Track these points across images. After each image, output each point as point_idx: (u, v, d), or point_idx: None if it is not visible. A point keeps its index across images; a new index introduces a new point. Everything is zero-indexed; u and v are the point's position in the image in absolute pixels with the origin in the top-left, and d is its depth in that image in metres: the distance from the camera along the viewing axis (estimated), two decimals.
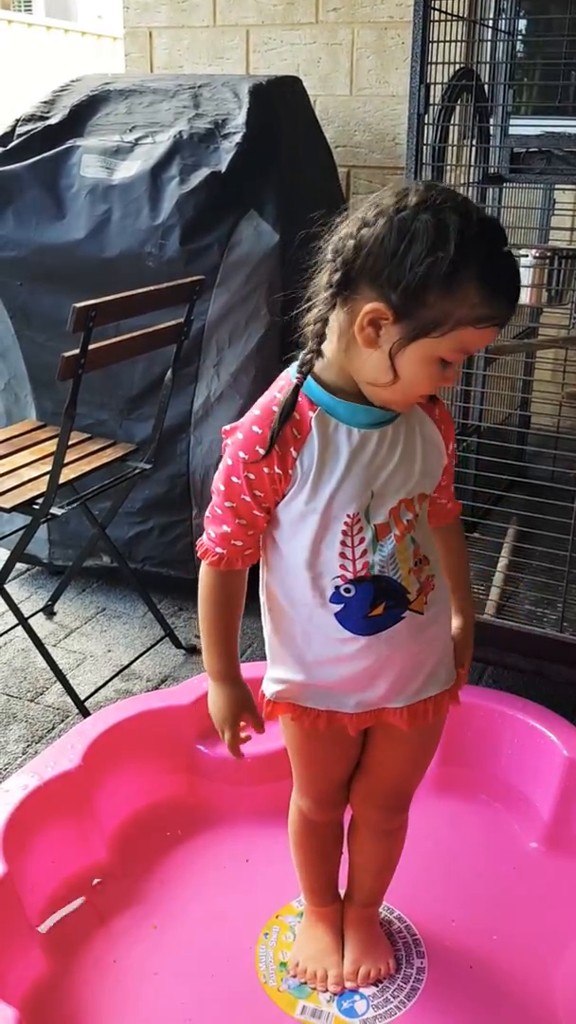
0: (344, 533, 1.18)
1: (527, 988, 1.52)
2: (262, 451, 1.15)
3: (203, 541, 1.26)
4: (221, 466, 1.20)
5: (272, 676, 1.33)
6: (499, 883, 1.72)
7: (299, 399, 1.15)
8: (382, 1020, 1.47)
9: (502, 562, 2.36)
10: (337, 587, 1.21)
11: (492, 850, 1.79)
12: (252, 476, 1.16)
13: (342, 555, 1.19)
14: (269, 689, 1.33)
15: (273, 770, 1.81)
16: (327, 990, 1.50)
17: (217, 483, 1.21)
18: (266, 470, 1.16)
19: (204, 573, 1.28)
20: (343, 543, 1.19)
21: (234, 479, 1.18)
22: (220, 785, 1.86)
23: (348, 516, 1.18)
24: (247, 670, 1.92)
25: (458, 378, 1.19)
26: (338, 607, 1.22)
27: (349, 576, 1.20)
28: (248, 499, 1.18)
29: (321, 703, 1.30)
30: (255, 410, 1.19)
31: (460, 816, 1.87)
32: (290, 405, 1.15)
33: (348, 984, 1.50)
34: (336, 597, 1.21)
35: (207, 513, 1.25)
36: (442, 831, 1.83)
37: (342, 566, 1.20)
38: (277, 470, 1.16)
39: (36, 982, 1.49)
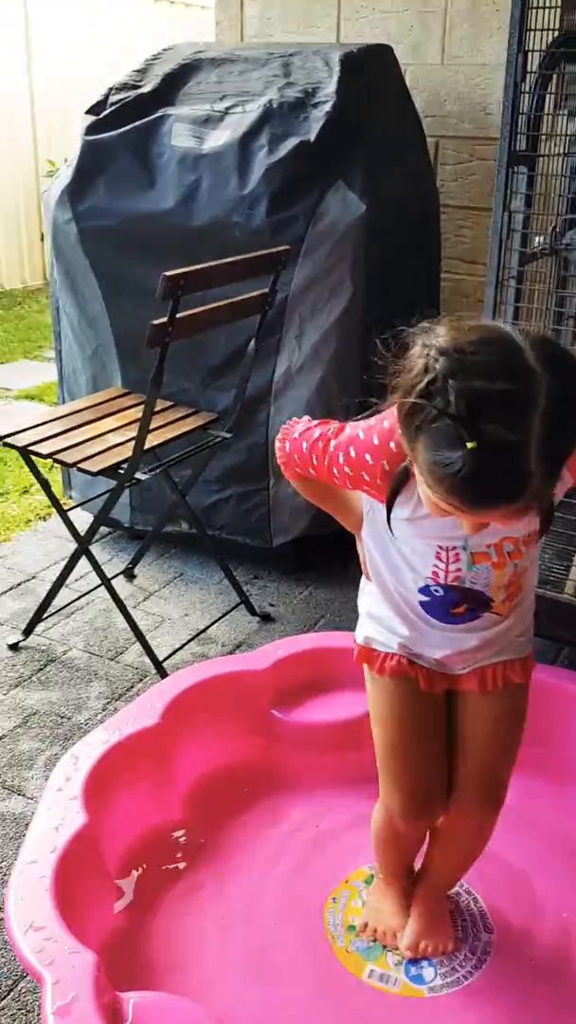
0: (439, 550, 1.23)
1: None
2: (366, 476, 1.20)
3: (284, 454, 1.32)
4: (337, 428, 1.25)
5: (361, 625, 1.41)
6: (569, 861, 1.71)
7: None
8: (448, 988, 1.49)
9: None
10: (428, 585, 1.26)
11: (563, 828, 1.79)
12: (351, 472, 1.21)
13: (435, 566, 1.24)
14: (359, 634, 1.41)
15: (347, 738, 1.83)
16: (395, 947, 1.53)
17: (311, 433, 1.25)
18: (366, 476, 1.20)
19: (289, 479, 1.37)
20: (438, 557, 1.23)
21: (335, 459, 1.22)
22: (294, 750, 1.89)
23: (442, 545, 1.22)
24: (320, 639, 1.94)
25: (475, 532, 1.10)
26: (425, 598, 1.28)
27: (440, 581, 1.25)
28: (346, 471, 1.22)
29: (399, 648, 1.36)
30: (374, 433, 1.18)
31: (532, 794, 1.86)
32: (405, 469, 1.15)
33: (407, 953, 1.52)
34: (425, 590, 1.27)
35: (300, 430, 1.29)
36: (514, 809, 1.81)
37: (435, 572, 1.25)
38: (379, 481, 1.19)
39: (114, 930, 1.55)
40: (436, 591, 1.26)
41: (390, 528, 1.23)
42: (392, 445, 1.15)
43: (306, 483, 1.36)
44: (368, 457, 1.18)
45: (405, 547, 1.26)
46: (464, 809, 1.44)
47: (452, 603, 1.27)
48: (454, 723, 1.41)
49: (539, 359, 0.95)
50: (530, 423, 0.93)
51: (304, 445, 1.27)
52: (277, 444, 1.34)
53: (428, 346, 0.98)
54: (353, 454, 1.20)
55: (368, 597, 1.38)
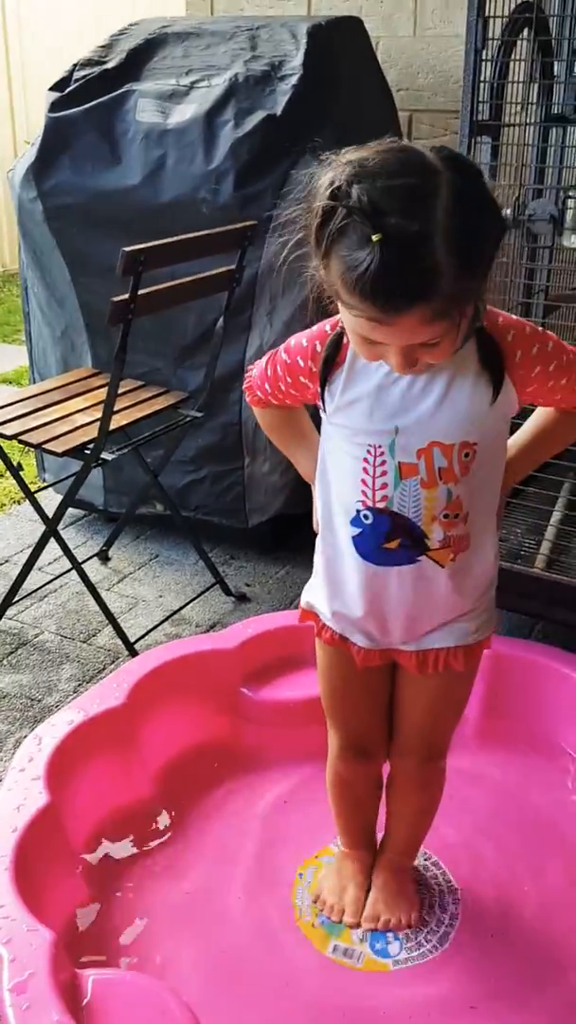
0: (366, 461, 1.20)
1: (560, 937, 1.52)
2: (300, 361, 1.23)
3: (250, 378, 1.37)
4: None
5: (308, 585, 1.40)
6: (536, 833, 1.71)
7: (344, 333, 1.17)
8: (414, 962, 1.49)
9: (555, 516, 2.32)
10: (358, 511, 1.23)
11: (531, 801, 1.78)
12: (288, 360, 1.26)
13: (363, 482, 1.21)
14: (303, 596, 1.41)
15: (314, 714, 1.81)
16: (341, 922, 1.53)
17: (270, 353, 1.31)
18: (300, 362, 1.23)
19: (254, 410, 1.42)
20: (365, 470, 1.20)
21: (278, 358, 1.29)
22: (262, 728, 1.88)
23: (371, 446, 1.19)
24: (290, 617, 1.93)
25: (400, 369, 1.09)
26: (356, 531, 1.25)
27: (368, 503, 1.22)
28: (283, 377, 1.28)
29: (336, 626, 1.35)
30: (310, 330, 1.24)
31: (500, 766, 1.86)
32: (339, 334, 1.19)
33: (366, 925, 1.52)
34: (356, 521, 1.24)
35: (260, 360, 1.35)
36: (483, 781, 1.83)
37: (363, 492, 1.22)
38: (311, 365, 1.22)
39: (75, 908, 1.54)
40: (366, 517, 1.22)
41: (325, 402, 1.21)
42: (327, 327, 1.21)
43: (265, 411, 1.40)
44: (303, 340, 1.24)
45: (338, 465, 1.24)
46: (404, 764, 1.46)
47: (384, 534, 1.22)
48: (394, 688, 1.41)
49: (439, 159, 0.99)
50: (433, 215, 0.96)
51: (264, 360, 1.33)
52: (246, 374, 1.39)
53: (334, 163, 1.02)
54: (292, 343, 1.27)
55: (317, 554, 1.36)
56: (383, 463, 1.19)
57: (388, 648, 1.34)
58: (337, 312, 1.12)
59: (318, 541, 1.35)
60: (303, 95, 2.43)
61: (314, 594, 1.37)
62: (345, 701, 1.43)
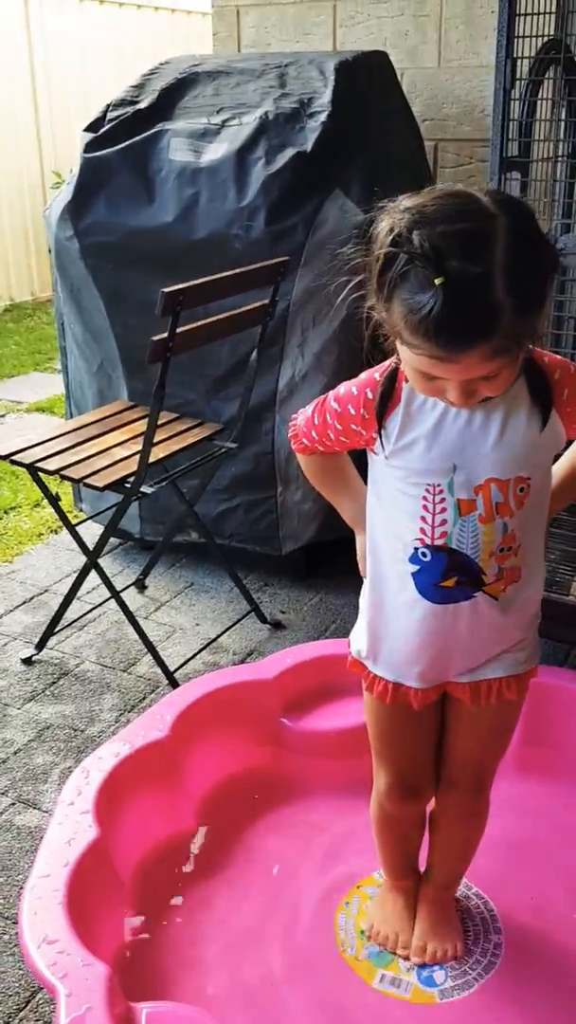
0: (425, 499, 1.23)
1: None
2: (352, 409, 1.25)
3: (295, 426, 1.38)
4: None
5: (355, 630, 1.41)
6: None
7: (399, 371, 1.21)
8: (460, 992, 1.50)
9: None
10: (416, 548, 1.25)
11: (570, 829, 1.80)
12: (339, 409, 1.27)
13: (423, 519, 1.24)
14: (352, 645, 1.42)
15: (356, 745, 1.84)
16: (396, 952, 1.55)
17: (318, 400, 1.33)
18: (352, 410, 1.25)
19: (298, 457, 1.44)
20: (424, 508, 1.23)
21: (328, 407, 1.31)
22: (304, 758, 1.91)
23: (429, 485, 1.22)
24: (328, 647, 1.96)
25: (460, 403, 1.12)
26: (415, 568, 1.27)
27: (427, 541, 1.24)
28: (332, 426, 1.29)
29: (388, 672, 1.36)
30: (359, 378, 1.27)
31: (541, 796, 1.88)
32: (391, 377, 1.22)
33: (415, 959, 1.54)
34: (415, 558, 1.26)
35: (307, 407, 1.36)
36: (523, 810, 1.84)
37: (421, 530, 1.24)
38: (363, 412, 1.23)
39: (127, 941, 1.57)
40: (424, 555, 1.25)
41: (382, 446, 1.23)
42: (377, 375, 1.23)
43: (311, 458, 1.42)
44: (353, 389, 1.26)
45: (394, 504, 1.26)
46: (451, 796, 1.48)
47: (441, 571, 1.25)
48: (445, 720, 1.43)
49: (494, 204, 1.03)
50: (492, 257, 1.00)
51: (310, 409, 1.35)
52: (290, 421, 1.41)
53: (391, 210, 1.06)
54: (342, 391, 1.28)
55: (365, 598, 1.38)
56: (442, 500, 1.22)
57: (442, 683, 1.36)
58: (393, 349, 1.16)
59: (365, 585, 1.38)
60: (332, 131, 2.48)
61: (362, 639, 1.39)
62: (396, 743, 1.45)
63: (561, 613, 2.10)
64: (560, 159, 2.00)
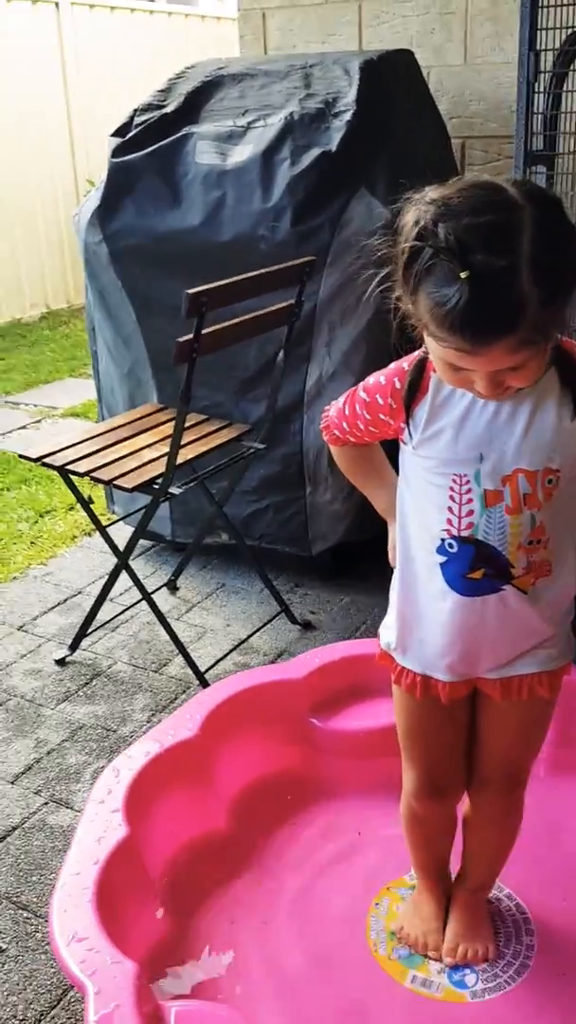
0: (452, 490, 1.22)
1: None
2: (380, 399, 1.25)
3: (327, 417, 1.39)
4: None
5: (384, 623, 1.41)
6: None
7: (427, 362, 1.21)
8: (492, 993, 1.49)
9: None
10: (443, 540, 1.25)
11: None
12: (368, 399, 1.28)
13: (449, 510, 1.23)
14: (381, 638, 1.41)
15: (386, 745, 1.83)
16: (427, 956, 1.53)
17: (349, 392, 1.33)
18: (380, 400, 1.25)
19: (331, 448, 1.44)
20: (451, 498, 1.22)
21: (357, 397, 1.31)
22: (333, 758, 1.90)
23: (456, 475, 1.21)
24: (356, 647, 1.95)
25: (488, 394, 1.11)
26: (443, 559, 1.26)
27: (454, 532, 1.24)
28: (362, 416, 1.30)
29: (416, 664, 1.35)
30: (388, 368, 1.27)
31: (573, 797, 1.85)
32: (420, 367, 1.22)
33: (447, 960, 1.53)
34: (442, 549, 1.26)
35: (339, 398, 1.37)
36: (555, 811, 1.82)
37: (448, 520, 1.23)
38: (391, 402, 1.24)
39: (156, 940, 1.57)
40: (451, 546, 1.24)
41: (410, 435, 1.23)
42: (405, 365, 1.23)
43: (343, 450, 1.42)
44: (382, 379, 1.27)
45: (422, 494, 1.26)
46: (484, 795, 1.46)
47: (469, 563, 1.24)
48: (476, 717, 1.41)
49: (521, 194, 1.02)
50: (519, 249, 0.99)
51: (342, 400, 1.35)
52: (323, 413, 1.41)
53: (417, 202, 1.05)
54: (371, 381, 1.28)
55: (395, 589, 1.38)
56: (468, 491, 1.21)
57: (471, 678, 1.35)
58: (421, 339, 1.15)
59: (395, 576, 1.37)
60: (358, 131, 2.48)
61: (392, 632, 1.38)
62: (425, 739, 1.44)
63: None
64: None
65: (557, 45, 1.91)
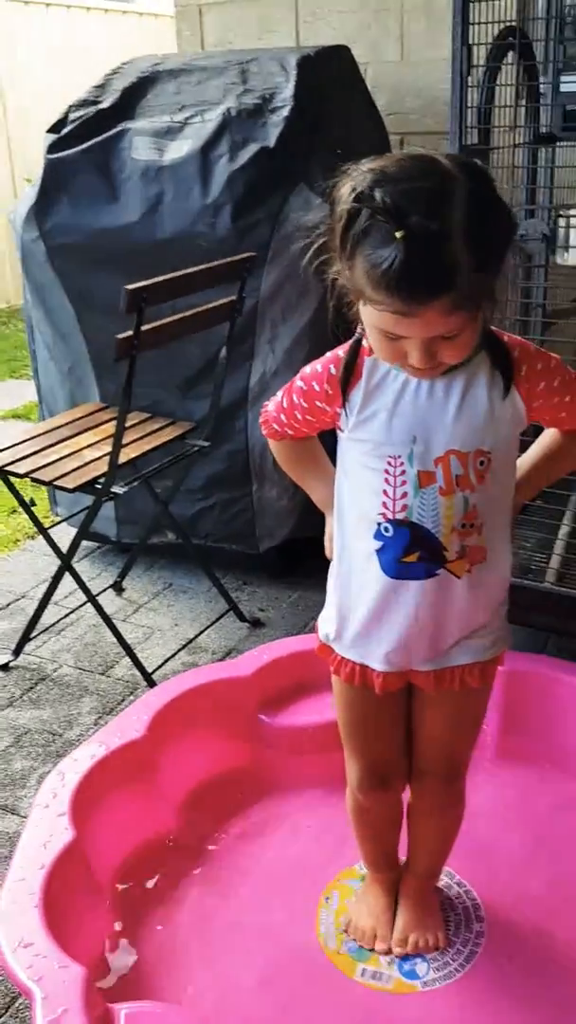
0: (387, 472, 1.23)
1: None
2: (316, 386, 1.26)
3: (266, 412, 1.40)
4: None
5: (322, 615, 1.41)
6: (560, 852, 1.72)
7: (361, 347, 1.22)
8: (442, 982, 1.49)
9: (563, 529, 2.33)
10: (379, 524, 1.26)
11: (554, 819, 1.79)
12: (304, 387, 1.29)
13: (384, 493, 1.24)
14: (320, 630, 1.42)
15: (335, 739, 1.83)
16: (373, 949, 1.54)
17: (287, 385, 1.34)
18: (316, 387, 1.26)
19: (269, 443, 1.45)
20: (386, 481, 1.24)
21: (294, 387, 1.32)
22: (281, 754, 1.90)
23: (391, 457, 1.22)
24: (304, 642, 1.95)
25: (421, 363, 1.12)
26: (378, 544, 1.27)
27: (389, 515, 1.25)
28: (299, 405, 1.31)
29: (354, 653, 1.36)
30: (318, 361, 1.29)
31: (522, 784, 1.87)
32: (354, 349, 1.23)
33: (396, 950, 1.53)
34: (378, 535, 1.27)
35: (277, 393, 1.38)
36: (503, 799, 1.83)
37: (383, 503, 1.25)
38: (327, 388, 1.25)
39: (105, 943, 1.56)
40: (386, 530, 1.25)
41: (346, 420, 1.24)
42: (340, 352, 1.25)
43: (281, 444, 1.43)
44: (318, 366, 1.28)
45: (359, 480, 1.27)
46: (424, 785, 1.47)
47: (404, 546, 1.25)
48: (412, 710, 1.42)
49: (454, 166, 1.06)
50: (451, 214, 1.02)
51: (280, 394, 1.36)
52: (262, 408, 1.41)
53: (354, 172, 1.08)
54: (307, 370, 1.30)
55: (332, 580, 1.38)
56: (403, 472, 1.22)
57: (406, 670, 1.35)
58: (357, 318, 1.16)
59: (332, 567, 1.38)
60: (295, 126, 2.47)
61: (330, 623, 1.38)
62: (364, 731, 1.44)
63: (538, 600, 2.10)
64: (520, 145, 2.00)
65: (490, 40, 1.92)
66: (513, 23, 1.95)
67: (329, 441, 1.37)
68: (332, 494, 1.36)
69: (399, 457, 1.22)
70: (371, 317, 1.11)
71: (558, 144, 2.30)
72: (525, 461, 1.38)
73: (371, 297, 1.06)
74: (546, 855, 1.71)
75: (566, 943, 1.54)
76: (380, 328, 1.11)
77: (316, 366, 1.28)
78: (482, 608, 1.32)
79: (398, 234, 1.01)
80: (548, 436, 1.38)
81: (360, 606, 1.32)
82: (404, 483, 1.23)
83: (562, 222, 1.99)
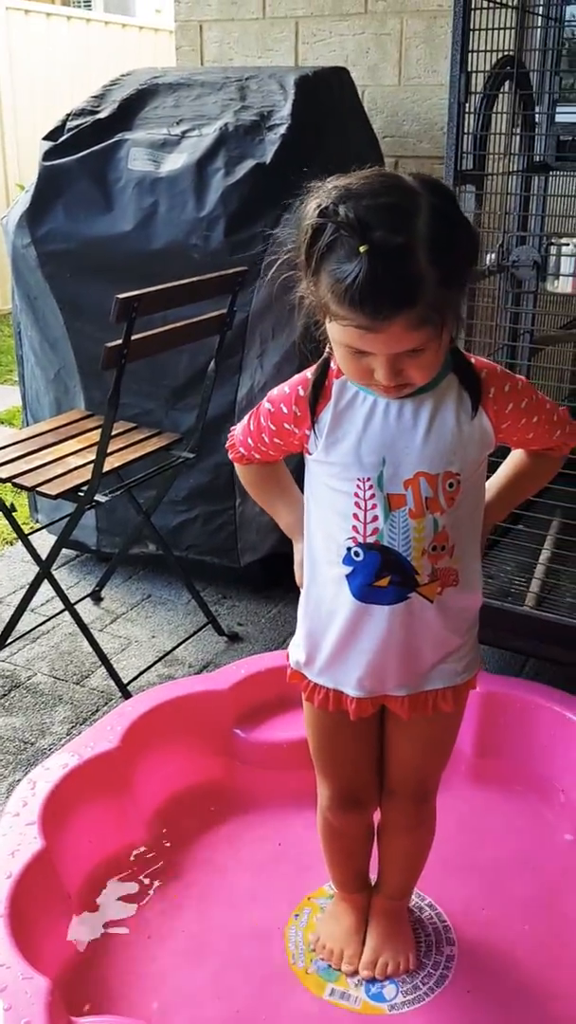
0: (356, 495, 1.22)
1: (556, 979, 1.52)
2: (284, 408, 1.25)
3: (233, 436, 1.38)
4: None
5: (293, 642, 1.40)
6: (531, 874, 1.72)
7: (329, 369, 1.22)
8: (410, 1006, 1.48)
9: (544, 554, 2.34)
10: (349, 548, 1.25)
11: (525, 841, 1.79)
12: (272, 409, 1.28)
13: (355, 516, 1.23)
14: (291, 656, 1.40)
15: (308, 757, 1.82)
16: (340, 970, 1.52)
17: (253, 409, 1.33)
18: (284, 408, 1.25)
19: (236, 467, 1.43)
20: (356, 505, 1.23)
21: (262, 409, 1.31)
22: (256, 769, 1.89)
23: (360, 479, 1.21)
24: (283, 658, 1.95)
25: (387, 380, 1.12)
26: (348, 569, 1.26)
27: (359, 539, 1.24)
28: (267, 427, 1.29)
29: (326, 679, 1.35)
30: (286, 383, 1.28)
31: (495, 806, 1.87)
32: (322, 370, 1.22)
33: (364, 973, 1.51)
34: (348, 559, 1.25)
35: (244, 418, 1.36)
36: (476, 821, 1.83)
37: (354, 527, 1.24)
38: (296, 409, 1.24)
39: (71, 955, 1.54)
40: (357, 554, 1.24)
41: (315, 443, 1.23)
42: (308, 374, 1.24)
43: (247, 468, 1.41)
44: (286, 388, 1.27)
45: (328, 504, 1.26)
46: (394, 806, 1.47)
47: (375, 571, 1.24)
48: (384, 732, 1.41)
49: (417, 182, 1.08)
50: (415, 229, 1.03)
51: (247, 418, 1.34)
52: (229, 433, 1.40)
53: (318, 189, 1.09)
54: (275, 393, 1.29)
55: (302, 606, 1.37)
56: (372, 495, 1.21)
57: (379, 695, 1.34)
58: (325, 337, 1.16)
59: (303, 595, 1.37)
60: (291, 144, 2.49)
61: (301, 650, 1.37)
62: (336, 755, 1.43)
63: (517, 624, 2.10)
64: (514, 173, 2.02)
65: (487, 67, 1.95)
66: (511, 53, 1.98)
67: (296, 468, 1.37)
68: (299, 520, 1.35)
69: (368, 479, 1.21)
70: (337, 333, 1.10)
71: (551, 173, 2.33)
72: (494, 483, 1.39)
73: (336, 312, 1.06)
74: (518, 878, 1.70)
75: (538, 968, 1.54)
76: (346, 344, 1.10)
77: (284, 388, 1.27)
78: (454, 631, 1.31)
79: (362, 248, 1.01)
80: (516, 457, 1.38)
81: (331, 632, 1.31)
82: (374, 506, 1.22)
83: (553, 250, 2.01)
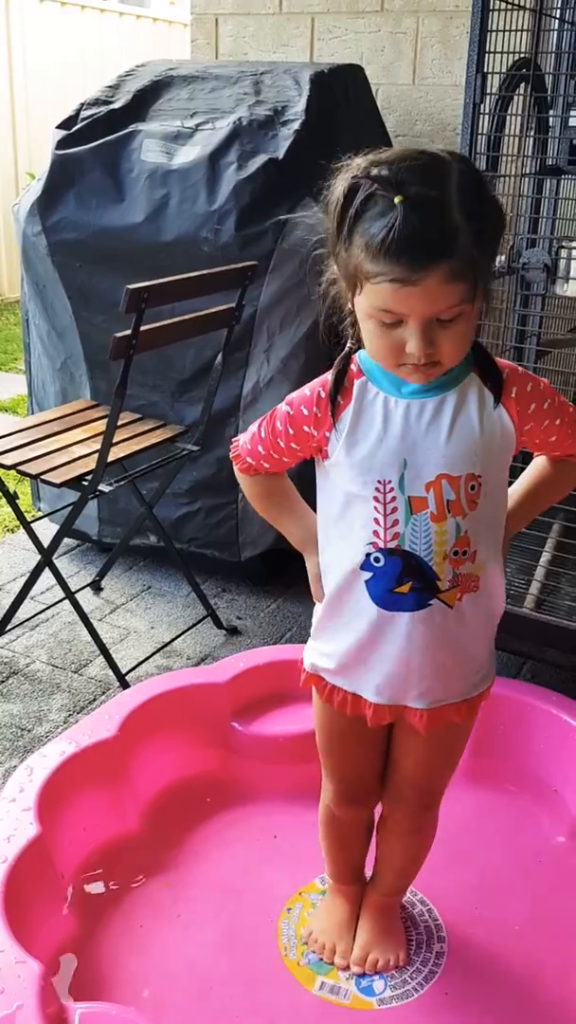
0: (376, 500, 1.20)
1: (546, 979, 1.53)
2: (305, 410, 1.23)
3: (237, 446, 1.35)
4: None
5: (308, 647, 1.38)
6: (524, 874, 1.72)
7: (350, 367, 1.21)
8: (399, 1001, 1.49)
9: (544, 556, 2.35)
10: (369, 554, 1.23)
11: (519, 841, 1.80)
12: (291, 411, 1.25)
13: (375, 520, 1.21)
14: (306, 660, 1.38)
15: (304, 751, 1.83)
16: (332, 963, 1.53)
17: (264, 416, 1.30)
18: (304, 410, 1.23)
19: (239, 478, 1.38)
20: (376, 509, 1.21)
21: (279, 412, 1.27)
22: (252, 762, 1.89)
23: (380, 482, 1.20)
24: (282, 652, 1.94)
25: (420, 351, 1.09)
26: (368, 575, 1.24)
27: (380, 544, 1.22)
28: (283, 431, 1.26)
29: (344, 683, 1.33)
30: (305, 387, 1.26)
31: (489, 806, 1.88)
32: (342, 370, 1.21)
33: (355, 968, 1.52)
34: (367, 565, 1.23)
35: (250, 427, 1.33)
36: (470, 820, 1.84)
37: (375, 532, 1.21)
38: (316, 411, 1.22)
39: (64, 941, 1.54)
40: (377, 560, 1.22)
41: (335, 443, 1.21)
42: (328, 376, 1.23)
43: (254, 480, 1.36)
44: (306, 391, 1.25)
45: (347, 510, 1.24)
46: (397, 810, 1.47)
47: (396, 576, 1.22)
48: (392, 737, 1.41)
49: (444, 152, 1.09)
50: (448, 187, 1.04)
51: (255, 425, 1.32)
52: (232, 444, 1.37)
53: (347, 166, 1.09)
54: (294, 396, 1.27)
55: (319, 611, 1.35)
56: (393, 499, 1.19)
57: (399, 705, 1.32)
58: (346, 334, 1.16)
59: (320, 605, 1.34)
60: (305, 140, 2.49)
61: (317, 655, 1.35)
62: (345, 757, 1.43)
63: (516, 626, 2.11)
64: (527, 175, 2.02)
65: (503, 69, 1.95)
66: (527, 55, 1.98)
67: (298, 485, 1.36)
68: (310, 536, 1.33)
69: (389, 482, 1.19)
70: (371, 298, 1.08)
71: (563, 176, 2.33)
72: (515, 490, 1.36)
73: (370, 271, 1.05)
74: (511, 877, 1.71)
75: (527, 969, 1.54)
76: (378, 308, 1.08)
77: (304, 390, 1.25)
78: (475, 640, 1.29)
79: (397, 199, 1.02)
80: (538, 464, 1.36)
81: (350, 638, 1.29)
82: (395, 510, 1.20)
83: (563, 253, 2.02)
